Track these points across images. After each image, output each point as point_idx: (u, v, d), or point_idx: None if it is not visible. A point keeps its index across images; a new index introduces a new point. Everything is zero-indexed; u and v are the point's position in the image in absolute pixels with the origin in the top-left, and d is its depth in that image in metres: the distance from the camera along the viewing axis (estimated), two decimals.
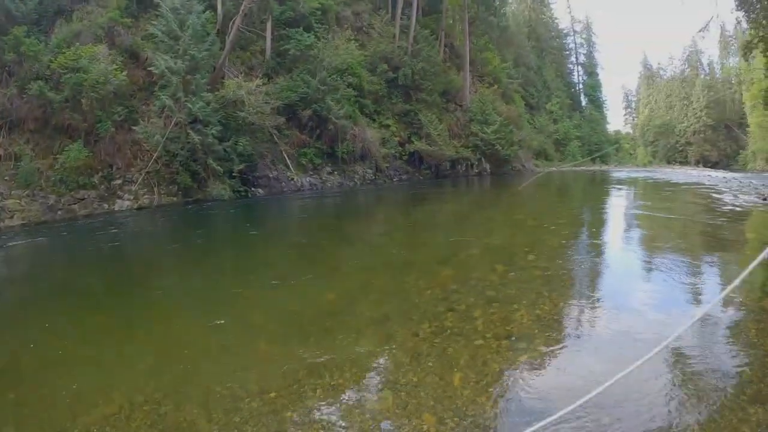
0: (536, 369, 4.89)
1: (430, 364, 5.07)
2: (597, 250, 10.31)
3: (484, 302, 6.78)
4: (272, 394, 4.81)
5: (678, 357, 5.02)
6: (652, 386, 4.41)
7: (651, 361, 3.70)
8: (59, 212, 17.87)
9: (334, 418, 4.42)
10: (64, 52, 19.22)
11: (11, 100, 19.03)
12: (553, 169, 39.08)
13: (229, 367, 5.61)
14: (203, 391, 5.05)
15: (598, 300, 6.92)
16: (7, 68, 19.62)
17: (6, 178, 18.09)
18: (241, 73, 23.57)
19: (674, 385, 4.48)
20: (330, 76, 24.97)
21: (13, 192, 17.81)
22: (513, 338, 5.56)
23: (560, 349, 5.32)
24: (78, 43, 20.11)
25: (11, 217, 17.25)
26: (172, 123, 20.03)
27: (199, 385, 5.18)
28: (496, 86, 36.55)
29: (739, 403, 4.20)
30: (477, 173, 33.40)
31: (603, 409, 4.04)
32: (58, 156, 18.66)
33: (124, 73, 20.29)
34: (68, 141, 19.03)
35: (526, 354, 5.16)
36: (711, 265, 8.83)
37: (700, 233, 11.58)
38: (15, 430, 4.82)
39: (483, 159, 33.80)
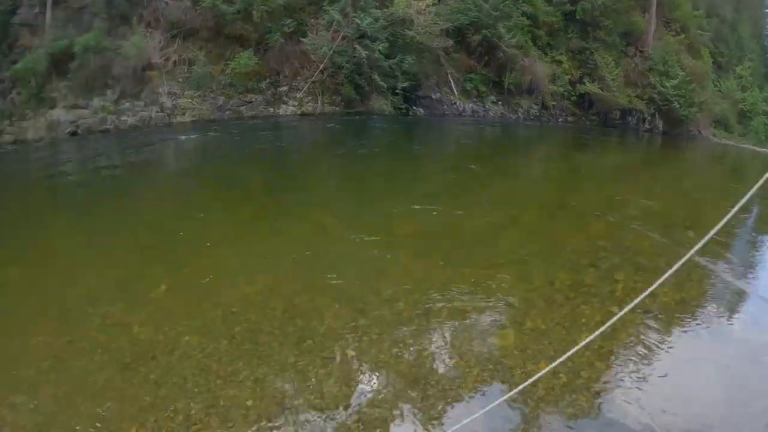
0: (665, 349, 4.53)
1: (561, 315, 4.96)
2: (758, 243, 8.82)
3: (630, 267, 6.34)
4: (400, 305, 5.00)
5: None
6: None
7: None
8: (227, 112, 18.26)
9: (451, 342, 4.44)
10: None
11: (185, 11, 19.79)
12: (731, 143, 34.35)
13: (365, 272, 5.82)
14: (336, 291, 5.27)
15: (747, 295, 6.08)
16: None
17: (180, 80, 18.78)
18: None
19: None
20: (503, 2, 23.00)
21: (186, 92, 18.47)
22: (650, 313, 5.15)
23: (695, 336, 4.88)
24: None
25: (183, 114, 17.87)
26: (340, 37, 19.70)
27: (334, 285, 5.42)
28: (682, 36, 32.11)
29: None
30: (648, 130, 29.78)
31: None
32: (228, 62, 19.29)
33: None
34: (239, 49, 19.55)
35: (659, 333, 4.81)
36: None
37: None
38: (164, 294, 5.29)
39: (657, 115, 29.95)
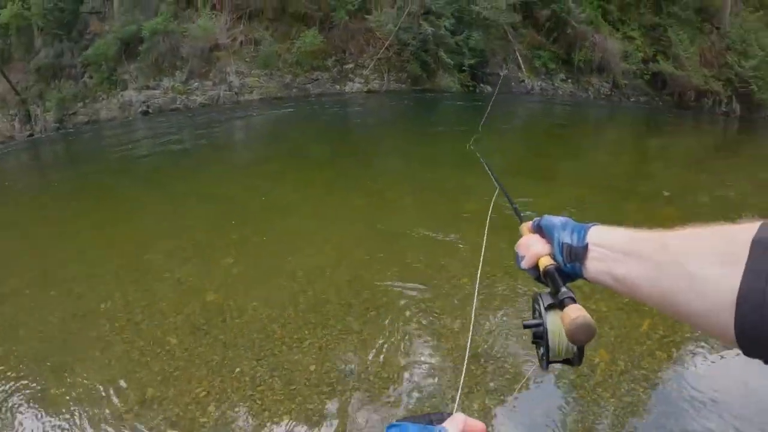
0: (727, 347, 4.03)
1: (624, 301, 4.74)
2: None
3: None
4: (465, 280, 5.02)
5: None
6: None
7: None
8: (294, 90, 18.28)
9: (515, 319, 4.35)
10: None
11: None
12: None
13: (431, 248, 5.80)
14: (401, 265, 5.33)
15: None
16: None
17: (247, 59, 18.88)
18: None
19: None
20: None
21: (253, 72, 18.54)
22: None
23: None
24: None
25: (251, 93, 17.98)
26: (405, 13, 19.31)
27: (399, 259, 5.46)
28: (762, 12, 30.40)
29: None
30: (724, 112, 28.13)
31: None
32: (294, 41, 19.28)
33: None
34: (304, 28, 19.49)
35: None
36: None
37: None
38: (236, 261, 5.51)
39: (734, 97, 28.33)
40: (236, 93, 17.78)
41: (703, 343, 4.21)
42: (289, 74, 18.42)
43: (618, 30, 24.71)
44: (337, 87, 18.69)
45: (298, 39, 18.85)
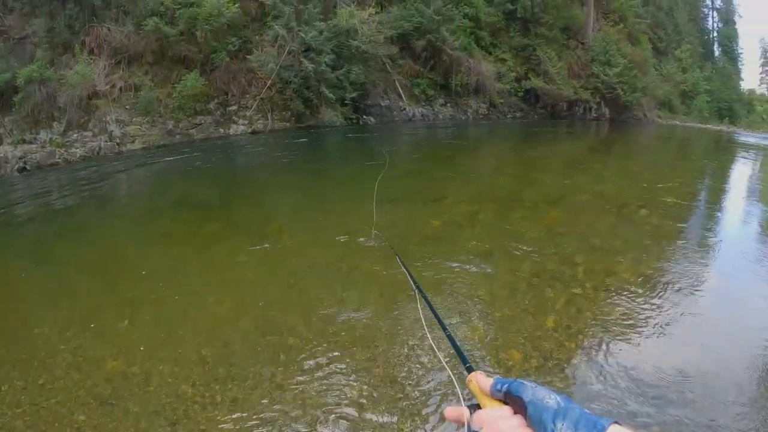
0: (629, 326, 4.69)
1: (527, 302, 5.10)
2: (714, 217, 9.46)
3: (588, 250, 6.70)
4: (368, 311, 5.05)
5: None
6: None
7: None
8: (177, 136, 18.19)
9: (424, 342, 4.43)
10: None
11: (128, 36, 19.65)
12: (677, 122, 35.65)
13: (330, 282, 5.84)
14: (303, 302, 5.33)
15: (706, 266, 6.44)
16: (122, 8, 20.17)
17: (127, 107, 18.66)
18: (354, 2, 22.68)
19: None
20: (445, 6, 23.68)
21: (133, 119, 18.33)
22: (612, 291, 5.42)
23: (658, 310, 5.01)
24: None
25: (132, 142, 17.75)
26: (286, 52, 19.83)
27: (300, 297, 5.48)
28: (621, 25, 33.17)
29: None
30: (595, 118, 30.71)
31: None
32: (175, 85, 19.14)
33: (237, 5, 20.28)
34: (185, 71, 19.43)
35: (622, 309, 5.01)
36: None
37: None
38: (133, 323, 5.23)
39: (602, 103, 30.84)
40: (118, 143, 17.40)
41: (605, 327, 4.62)
42: (171, 120, 18.21)
43: (491, 53, 26.44)
44: (221, 130, 18.66)
45: (179, 83, 18.72)
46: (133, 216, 10.73)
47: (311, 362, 4.31)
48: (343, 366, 4.28)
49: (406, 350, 4.42)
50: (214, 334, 4.87)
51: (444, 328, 1.25)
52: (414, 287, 1.55)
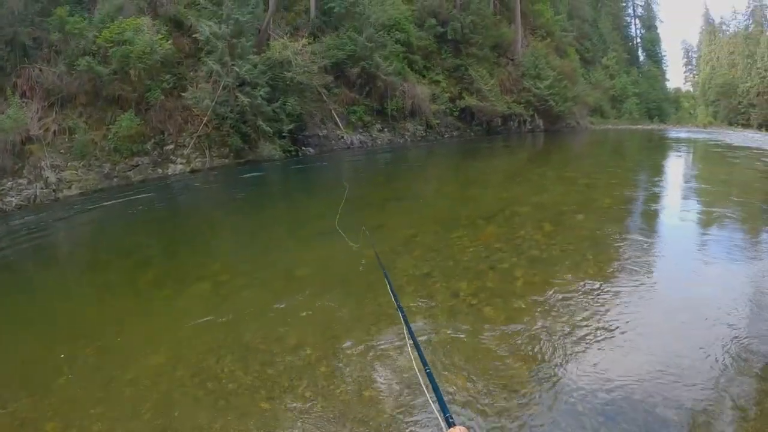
0: (572, 336, 4.78)
1: (466, 324, 5.12)
2: (649, 216, 9.90)
3: (526, 262, 6.74)
4: (308, 351, 5.06)
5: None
6: None
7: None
8: (115, 179, 18.02)
9: (363, 377, 4.49)
10: (109, 27, 19.17)
11: (61, 77, 19.19)
12: (609, 126, 37.44)
13: (268, 321, 5.83)
14: (241, 346, 5.27)
15: (644, 267, 6.59)
16: (54, 47, 19.75)
17: (62, 151, 18.36)
18: (287, 33, 22.98)
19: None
20: (377, 33, 24.29)
21: (69, 164, 18.04)
22: (553, 302, 5.47)
23: (600, 316, 5.15)
24: (121, 17, 19.99)
25: (69, 188, 17.49)
26: (221, 87, 19.92)
27: (238, 341, 5.38)
28: (549, 39, 34.79)
29: None
30: (530, 130, 32.06)
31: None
32: (110, 126, 18.83)
33: (170, 42, 20.17)
34: (120, 111, 19.17)
35: (564, 319, 5.08)
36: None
37: (761, 202, 10.64)
38: (69, 380, 5.06)
39: (536, 115, 32.30)
40: (54, 190, 17.15)
41: (549, 340, 4.69)
42: (108, 163, 17.94)
43: (424, 76, 27.31)
44: (160, 171, 18.53)
45: (114, 124, 18.43)
46: (71, 267, 10.42)
47: (249, 407, 4.25)
48: (284, 407, 4.26)
49: (351, 387, 4.39)
50: (154, 384, 4.78)
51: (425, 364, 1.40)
52: (406, 331, 1.83)
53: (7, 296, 8.71)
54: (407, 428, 3.85)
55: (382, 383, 4.41)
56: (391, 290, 3.50)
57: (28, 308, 7.88)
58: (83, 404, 4.68)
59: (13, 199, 17.02)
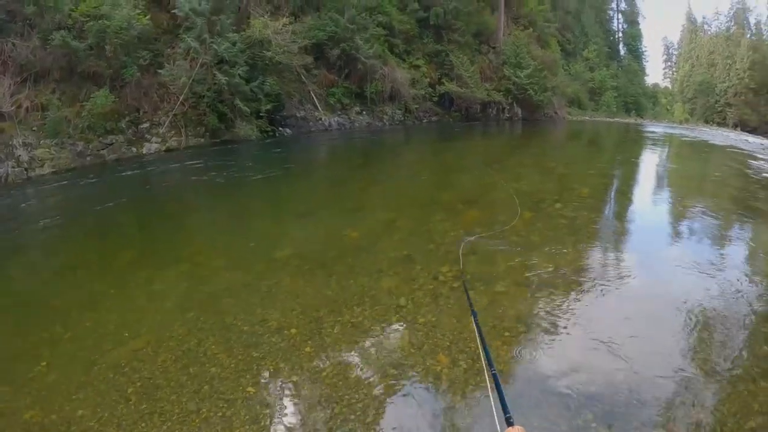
0: (553, 318, 4.90)
1: (449, 306, 5.21)
2: (625, 204, 10.25)
3: (506, 247, 6.86)
4: (293, 330, 5.03)
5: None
6: None
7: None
8: (88, 158, 17.67)
9: (349, 356, 4.54)
10: (85, 0, 18.71)
11: (34, 51, 18.68)
12: (587, 118, 37.76)
13: (249, 302, 5.76)
14: (224, 326, 5.24)
15: (620, 253, 6.96)
16: (28, 21, 19.19)
17: (34, 128, 17.92)
18: (267, 12, 22.59)
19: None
20: (359, 15, 24.14)
21: (42, 141, 17.62)
22: (532, 286, 5.60)
23: (578, 300, 5.30)
24: None
25: (42, 166, 17.09)
26: (198, 64, 19.62)
27: (221, 324, 5.31)
28: (531, 29, 34.80)
29: None
30: (508, 118, 32.17)
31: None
32: (84, 103, 18.37)
33: (148, 17, 19.72)
34: (94, 88, 18.71)
35: (543, 302, 5.22)
36: (738, 227, 8.59)
37: (731, 196, 10.95)
38: (48, 366, 4.94)
39: (515, 104, 32.37)
40: (26, 169, 16.81)
41: (535, 328, 4.76)
42: (81, 141, 17.48)
43: (405, 60, 27.22)
44: (134, 150, 18.18)
45: (88, 101, 18.03)
46: (45, 248, 10.18)
47: (235, 392, 4.21)
48: (269, 391, 4.24)
49: (337, 369, 4.38)
50: (136, 368, 4.69)
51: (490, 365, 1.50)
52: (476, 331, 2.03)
53: None
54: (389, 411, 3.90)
55: (368, 364, 4.42)
56: (467, 296, 4.04)
57: (0, 295, 7.60)
58: (65, 390, 4.53)
59: None
